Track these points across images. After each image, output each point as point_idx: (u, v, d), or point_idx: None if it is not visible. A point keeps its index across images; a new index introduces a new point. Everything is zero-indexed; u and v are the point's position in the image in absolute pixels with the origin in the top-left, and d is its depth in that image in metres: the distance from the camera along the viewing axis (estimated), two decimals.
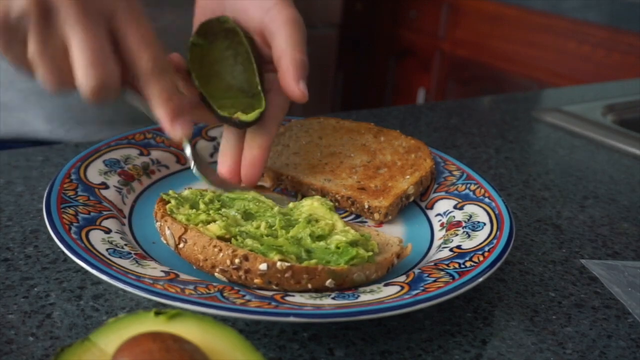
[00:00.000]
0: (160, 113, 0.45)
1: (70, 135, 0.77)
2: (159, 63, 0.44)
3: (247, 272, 0.41)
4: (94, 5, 0.41)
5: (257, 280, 0.41)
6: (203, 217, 0.45)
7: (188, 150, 0.50)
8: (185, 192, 0.49)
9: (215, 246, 0.42)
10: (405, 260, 0.48)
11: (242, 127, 0.51)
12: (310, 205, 0.49)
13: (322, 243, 0.44)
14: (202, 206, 0.47)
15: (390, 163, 0.59)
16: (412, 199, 0.56)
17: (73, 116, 0.76)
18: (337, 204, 0.55)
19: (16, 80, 0.74)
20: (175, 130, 0.46)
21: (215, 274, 0.42)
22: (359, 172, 0.58)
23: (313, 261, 0.42)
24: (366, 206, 0.53)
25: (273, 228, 0.45)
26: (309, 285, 0.41)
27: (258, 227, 0.45)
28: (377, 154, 0.61)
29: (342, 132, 0.65)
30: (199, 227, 0.44)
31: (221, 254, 0.41)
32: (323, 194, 0.55)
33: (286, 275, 0.40)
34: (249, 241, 0.43)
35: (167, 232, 0.44)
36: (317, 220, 0.47)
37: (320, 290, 0.42)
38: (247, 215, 0.47)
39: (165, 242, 0.45)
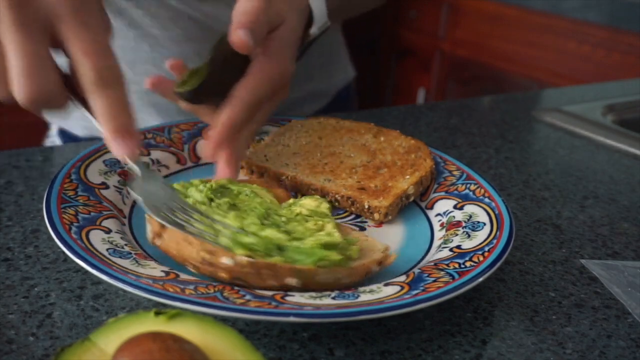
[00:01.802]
0: (103, 127, 0.42)
1: None
2: (102, 75, 0.40)
3: (213, 266, 0.41)
4: (33, 9, 0.38)
5: (223, 275, 0.41)
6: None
7: (134, 167, 0.46)
8: (175, 185, 0.49)
9: (185, 240, 0.42)
10: (405, 260, 0.48)
11: (187, 99, 0.53)
12: (307, 204, 0.49)
13: (296, 242, 0.43)
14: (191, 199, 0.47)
15: (390, 163, 0.59)
16: (412, 199, 0.56)
17: (177, 107, 0.77)
18: (337, 203, 0.55)
19: (131, 83, 0.75)
20: (115, 149, 0.42)
21: (190, 269, 0.43)
22: (359, 172, 0.58)
23: (277, 258, 0.41)
24: (366, 206, 0.53)
25: (260, 223, 0.45)
26: (272, 282, 0.41)
27: (241, 221, 0.45)
28: (377, 154, 0.61)
29: (342, 132, 0.65)
30: None
31: (191, 248, 0.42)
32: (323, 194, 0.55)
33: (250, 270, 0.40)
34: (222, 236, 0.43)
35: (148, 227, 0.45)
36: (306, 220, 0.47)
37: (284, 288, 0.41)
38: (235, 208, 0.47)
39: (149, 240, 0.45)
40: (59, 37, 0.39)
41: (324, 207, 0.49)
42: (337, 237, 0.45)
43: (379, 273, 0.46)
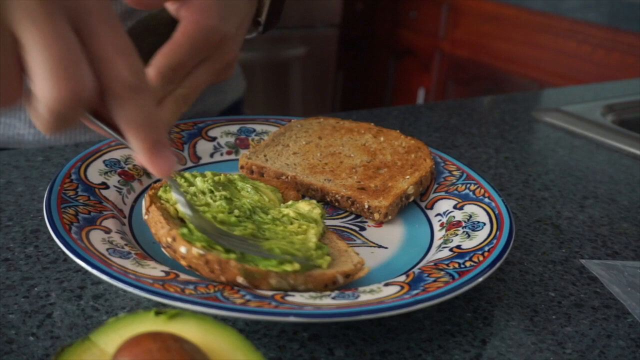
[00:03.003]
0: (138, 142, 0.36)
1: (55, 139, 0.73)
2: (139, 77, 0.34)
3: (174, 251, 0.42)
4: None
5: (182, 262, 0.42)
6: (188, 198, 0.47)
7: (176, 194, 0.44)
8: (186, 175, 0.51)
9: (160, 222, 0.44)
10: (406, 260, 0.48)
11: None
12: (301, 207, 0.49)
13: (264, 243, 0.44)
14: (193, 189, 0.49)
15: (390, 163, 0.59)
16: (412, 199, 0.56)
17: None
18: (337, 203, 0.55)
19: None
20: (157, 165, 0.36)
21: (162, 249, 0.44)
22: (359, 172, 0.58)
23: (233, 255, 0.41)
24: (366, 206, 0.53)
25: (239, 217, 0.47)
26: (222, 278, 0.41)
27: (218, 212, 0.46)
28: (377, 154, 0.61)
29: (342, 132, 0.65)
30: (165, 204, 0.46)
31: (162, 231, 0.43)
32: (323, 193, 0.55)
33: (200, 262, 0.41)
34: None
35: (143, 202, 0.47)
36: (291, 222, 0.47)
37: (240, 285, 0.41)
38: (229, 202, 0.48)
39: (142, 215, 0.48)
40: (82, 34, 0.33)
41: (316, 212, 0.49)
42: (310, 244, 0.44)
43: (378, 274, 0.46)
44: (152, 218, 0.45)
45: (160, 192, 0.48)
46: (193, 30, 0.49)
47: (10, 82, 0.32)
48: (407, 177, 0.57)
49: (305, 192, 0.57)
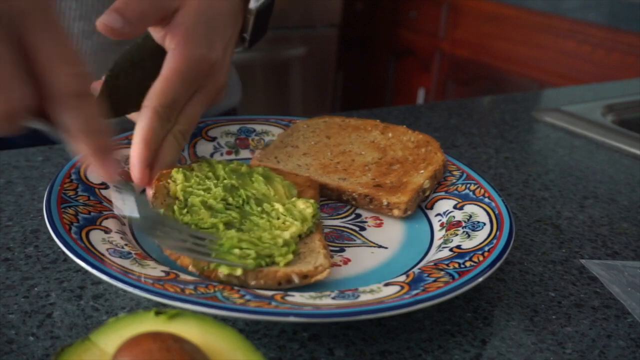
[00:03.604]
0: (84, 148, 0.37)
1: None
2: (80, 83, 0.35)
3: None
4: None
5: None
6: (193, 181, 0.50)
7: (122, 199, 0.44)
8: (213, 160, 0.54)
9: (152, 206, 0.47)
10: (406, 260, 0.48)
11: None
12: (298, 205, 0.50)
13: (233, 233, 0.45)
14: (195, 177, 0.51)
15: (402, 159, 0.59)
16: (427, 193, 0.56)
17: None
18: (354, 202, 0.55)
19: None
20: (101, 169, 0.38)
21: None
22: (372, 169, 0.58)
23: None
24: (385, 203, 0.53)
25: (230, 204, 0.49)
26: (178, 262, 0.43)
27: (210, 198, 0.48)
28: (387, 151, 0.61)
29: (349, 130, 0.64)
30: (170, 183, 0.49)
31: None
32: (339, 192, 0.55)
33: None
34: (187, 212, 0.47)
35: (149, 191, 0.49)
36: (278, 217, 0.48)
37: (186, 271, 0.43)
38: (233, 189, 0.50)
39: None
40: (24, 42, 0.34)
41: (308, 212, 0.49)
42: (279, 241, 0.45)
43: (378, 274, 0.46)
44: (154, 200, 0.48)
45: (173, 172, 0.50)
46: (182, 64, 0.48)
47: None
48: (422, 171, 0.56)
49: (320, 191, 0.56)
